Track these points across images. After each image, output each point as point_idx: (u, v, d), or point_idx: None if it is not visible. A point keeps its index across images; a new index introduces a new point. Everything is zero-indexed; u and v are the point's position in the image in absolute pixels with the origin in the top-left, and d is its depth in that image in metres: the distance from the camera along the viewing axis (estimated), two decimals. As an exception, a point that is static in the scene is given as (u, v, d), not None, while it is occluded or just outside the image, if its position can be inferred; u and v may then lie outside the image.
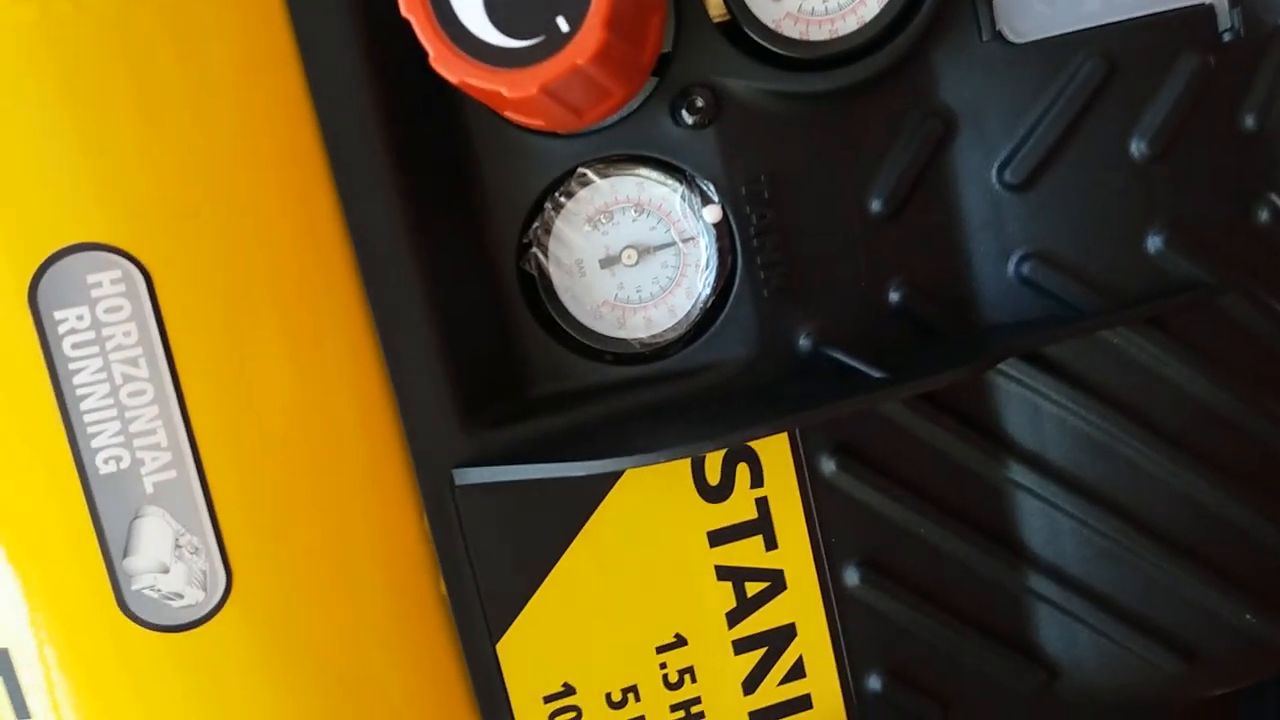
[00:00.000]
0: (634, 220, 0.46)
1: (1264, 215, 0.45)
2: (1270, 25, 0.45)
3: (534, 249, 0.45)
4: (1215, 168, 0.45)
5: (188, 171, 0.39)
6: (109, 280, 0.38)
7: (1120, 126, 0.44)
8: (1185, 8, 0.44)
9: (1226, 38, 0.44)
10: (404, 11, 0.36)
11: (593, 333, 0.46)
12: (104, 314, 0.38)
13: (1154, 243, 0.45)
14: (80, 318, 0.38)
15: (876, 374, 0.42)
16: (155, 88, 0.38)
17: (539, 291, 0.46)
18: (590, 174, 0.45)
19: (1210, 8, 0.44)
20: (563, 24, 0.36)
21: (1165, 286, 0.45)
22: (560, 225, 0.45)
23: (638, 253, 0.46)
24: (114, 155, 0.38)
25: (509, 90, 0.36)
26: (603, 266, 0.46)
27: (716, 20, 0.44)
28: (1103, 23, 0.44)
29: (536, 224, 0.45)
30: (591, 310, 0.46)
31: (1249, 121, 0.45)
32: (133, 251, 0.38)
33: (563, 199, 0.45)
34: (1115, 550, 0.46)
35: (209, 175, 0.39)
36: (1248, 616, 0.46)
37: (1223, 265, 0.45)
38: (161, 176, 0.38)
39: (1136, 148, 0.44)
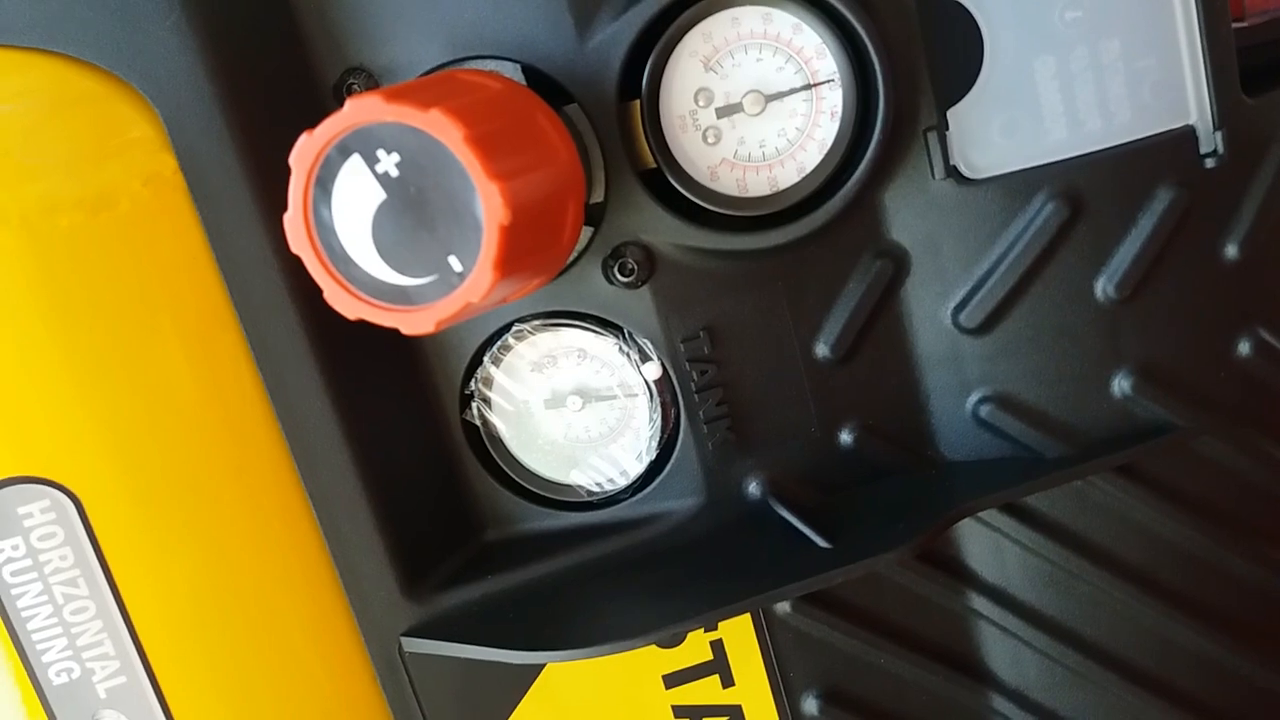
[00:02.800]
0: (578, 364, 0.44)
1: (1245, 349, 0.42)
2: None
3: (475, 400, 0.45)
4: (1190, 303, 0.42)
5: (110, 396, 0.39)
6: (39, 510, 0.39)
7: (1086, 268, 0.41)
8: (1162, 134, 0.40)
9: (1209, 164, 0.40)
10: (293, 248, 0.35)
11: (539, 478, 0.45)
12: (38, 541, 0.39)
13: (1120, 386, 0.42)
14: (15, 547, 0.39)
15: (822, 543, 0.41)
16: (74, 320, 0.38)
17: (483, 439, 0.45)
18: (526, 329, 0.44)
19: (1191, 131, 0.40)
20: (455, 263, 0.34)
21: (1132, 428, 0.42)
22: (501, 376, 0.44)
23: (582, 399, 0.45)
24: (37, 390, 0.38)
25: (405, 328, 0.35)
26: (548, 407, 0.45)
27: (645, 169, 0.41)
28: (1068, 156, 0.40)
29: (477, 375, 0.44)
30: (537, 455, 0.45)
31: (1230, 251, 0.41)
32: (60, 480, 0.38)
33: (501, 353, 0.44)
34: (1080, 679, 0.45)
35: (130, 391, 0.39)
36: (1215, 745, 0.46)
37: (1195, 405, 0.42)
38: (83, 405, 0.38)
39: (1103, 290, 0.41)
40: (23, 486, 0.38)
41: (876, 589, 0.45)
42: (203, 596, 0.41)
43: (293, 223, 0.34)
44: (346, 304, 0.35)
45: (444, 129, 0.33)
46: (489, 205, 0.33)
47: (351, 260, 0.35)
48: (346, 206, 0.34)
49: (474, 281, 0.34)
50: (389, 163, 0.34)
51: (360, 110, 0.33)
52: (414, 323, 0.35)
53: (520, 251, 0.35)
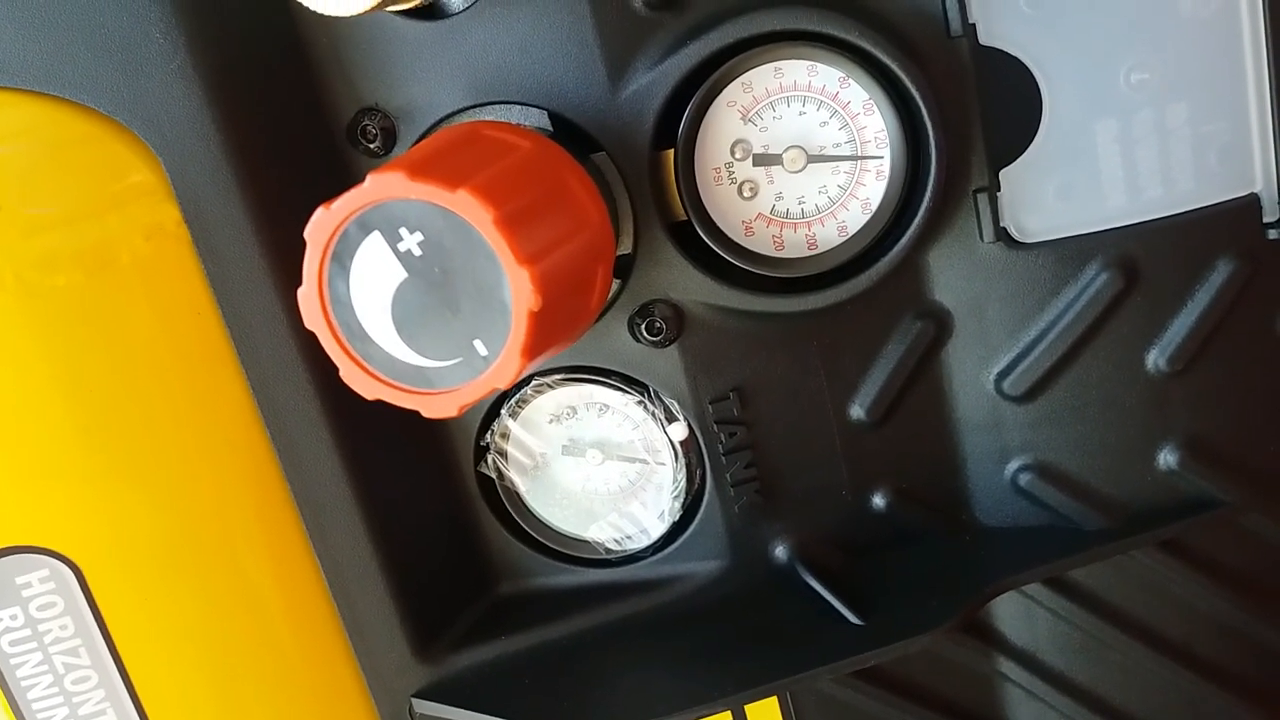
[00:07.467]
0: (599, 416, 0.43)
1: (1298, 423, 0.41)
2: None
3: (491, 452, 0.43)
4: (1243, 377, 0.40)
5: (111, 462, 0.37)
6: (38, 580, 0.37)
7: (1138, 339, 0.39)
8: (1225, 203, 0.38)
9: (1272, 234, 0.38)
10: (307, 324, 0.33)
11: (556, 533, 0.44)
12: (37, 611, 0.37)
13: (1166, 459, 0.40)
14: (14, 617, 0.37)
15: (854, 619, 0.40)
16: (73, 384, 0.36)
17: (498, 492, 0.43)
18: (547, 383, 0.42)
19: (1255, 200, 0.38)
20: (480, 348, 0.32)
21: (1176, 502, 0.41)
22: (518, 429, 0.42)
23: (603, 453, 0.43)
24: (34, 457, 0.36)
25: (426, 412, 0.33)
26: (565, 454, 0.43)
27: (676, 221, 0.39)
28: (1126, 224, 0.38)
29: (493, 428, 0.42)
30: (554, 509, 0.43)
31: (1288, 324, 0.39)
32: (60, 550, 0.37)
33: (519, 406, 0.42)
34: (1106, 746, 0.45)
35: (131, 456, 0.37)
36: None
37: (1242, 480, 0.40)
38: (83, 472, 0.36)
39: (1154, 363, 0.39)
40: (20, 556, 0.37)
41: (901, 650, 0.44)
42: (207, 664, 0.39)
43: (307, 298, 0.32)
44: (364, 384, 0.33)
45: (472, 210, 0.30)
46: (518, 291, 0.31)
47: (370, 339, 0.33)
48: (365, 284, 0.32)
49: (500, 367, 0.32)
50: (411, 241, 0.31)
51: (382, 187, 0.31)
52: (435, 406, 0.33)
53: (549, 330, 0.33)
